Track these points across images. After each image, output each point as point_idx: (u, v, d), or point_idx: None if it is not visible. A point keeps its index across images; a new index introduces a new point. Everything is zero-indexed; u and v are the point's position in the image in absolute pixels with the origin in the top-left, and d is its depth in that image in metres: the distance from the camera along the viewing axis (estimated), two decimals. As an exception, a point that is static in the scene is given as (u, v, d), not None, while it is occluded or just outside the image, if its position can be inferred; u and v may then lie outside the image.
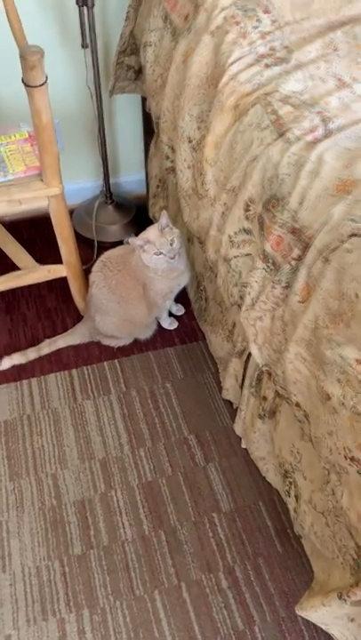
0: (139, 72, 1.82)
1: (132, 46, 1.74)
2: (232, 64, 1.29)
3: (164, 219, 1.51)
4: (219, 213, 1.29)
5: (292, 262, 1.05)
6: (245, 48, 1.30)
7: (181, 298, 1.84)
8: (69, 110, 1.96)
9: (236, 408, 1.59)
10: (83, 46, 1.73)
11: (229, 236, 1.24)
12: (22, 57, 1.27)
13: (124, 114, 2.05)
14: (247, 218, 1.20)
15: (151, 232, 1.54)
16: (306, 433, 1.10)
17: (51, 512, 1.44)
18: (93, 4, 1.64)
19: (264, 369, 1.20)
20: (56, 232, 1.64)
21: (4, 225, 1.99)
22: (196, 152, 1.40)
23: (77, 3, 1.64)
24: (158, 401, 1.65)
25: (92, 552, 1.37)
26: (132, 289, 1.62)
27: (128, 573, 1.34)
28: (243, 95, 1.27)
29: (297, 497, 1.27)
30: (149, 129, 2.01)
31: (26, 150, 1.58)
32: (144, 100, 1.93)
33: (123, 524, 1.42)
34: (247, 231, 1.20)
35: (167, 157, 1.54)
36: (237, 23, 1.32)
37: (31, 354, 1.74)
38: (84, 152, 2.10)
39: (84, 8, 1.64)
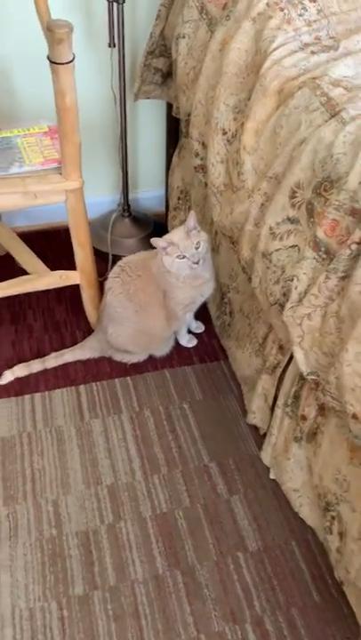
0: (166, 76, 1.73)
1: (161, 47, 1.66)
2: (275, 49, 1.20)
3: (191, 220, 1.38)
4: (257, 205, 1.16)
5: (353, 247, 0.91)
6: (290, 34, 1.21)
7: (202, 315, 1.70)
8: (90, 117, 1.87)
9: (264, 434, 1.41)
10: (109, 45, 1.65)
11: (270, 228, 1.10)
12: (49, 29, 1.17)
13: (148, 124, 1.96)
14: (293, 205, 1.06)
15: (176, 234, 1.41)
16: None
17: (49, 544, 1.24)
18: (124, 0, 1.56)
19: (309, 378, 1.04)
20: (72, 234, 1.51)
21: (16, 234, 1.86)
22: (230, 144, 1.29)
23: (107, -2, 1.57)
24: (175, 423, 1.48)
25: (95, 593, 1.16)
26: (152, 296, 1.48)
27: (138, 621, 1.13)
28: (288, 79, 1.16)
29: (342, 534, 1.08)
30: (173, 140, 1.92)
31: (45, 143, 1.47)
32: (169, 108, 1.85)
33: (133, 560, 1.22)
34: (292, 220, 1.07)
35: (197, 154, 1.43)
36: (281, 9, 1.23)
37: (35, 366, 1.57)
38: (102, 164, 2.00)
39: (114, 4, 1.57)
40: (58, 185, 1.38)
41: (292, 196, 1.06)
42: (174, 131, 1.90)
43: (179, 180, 1.86)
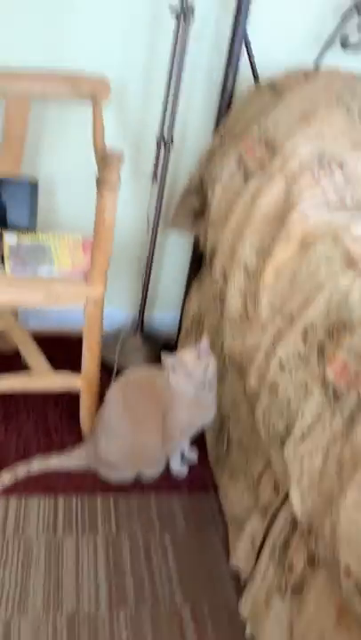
0: (200, 214, 1.86)
1: (197, 189, 1.81)
2: (303, 203, 1.30)
3: (205, 342, 1.40)
4: (270, 337, 1.19)
5: (361, 391, 0.91)
6: (317, 192, 1.32)
7: (198, 443, 1.65)
8: (122, 238, 1.99)
9: (245, 583, 1.30)
10: (153, 181, 1.80)
11: (280, 360, 1.11)
12: (103, 158, 1.28)
13: (174, 253, 2.07)
14: (304, 342, 1.08)
15: (187, 354, 1.42)
16: (355, 612, 0.85)
17: (-10, 672, 1.10)
18: (172, 142, 1.73)
19: (303, 521, 0.98)
20: (84, 338, 1.53)
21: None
22: (250, 279, 1.35)
23: (157, 140, 1.74)
24: (152, 554, 1.37)
25: None
26: (151, 413, 1.45)
27: None
28: (311, 229, 1.25)
29: None
30: (194, 271, 2.01)
31: (76, 253, 1.54)
32: (196, 242, 1.96)
33: None
34: (302, 357, 1.08)
35: (217, 283, 1.49)
36: (311, 170, 1.35)
37: (20, 471, 1.50)
38: (124, 279, 2.08)
39: (162, 145, 1.74)
40: (81, 290, 1.43)
41: (305, 334, 1.09)
42: (197, 263, 2.00)
43: (195, 306, 1.92)
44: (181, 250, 2.07)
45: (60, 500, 1.46)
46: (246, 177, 1.48)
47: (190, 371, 1.38)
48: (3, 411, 1.72)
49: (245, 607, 1.24)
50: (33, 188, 1.63)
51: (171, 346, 2.05)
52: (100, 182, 1.28)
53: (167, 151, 1.74)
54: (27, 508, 1.42)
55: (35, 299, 1.42)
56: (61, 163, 1.83)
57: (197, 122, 1.85)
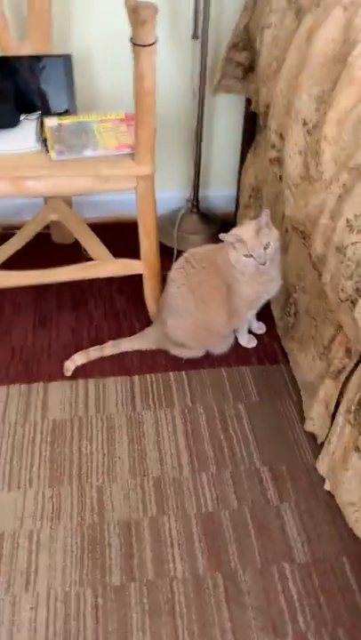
0: (248, 70, 1.70)
1: (244, 41, 1.63)
2: (366, 38, 1.14)
3: (265, 217, 1.33)
4: (335, 197, 1.11)
5: None
6: (384, 22, 1.15)
7: (264, 316, 1.64)
8: (167, 111, 1.86)
9: (321, 444, 1.34)
10: (193, 37, 1.64)
11: (348, 220, 1.04)
12: (134, 11, 1.16)
13: (225, 121, 1.93)
14: (375, 197, 1.00)
15: (246, 230, 1.37)
16: None
17: (90, 530, 1.21)
18: (212, -9, 1.55)
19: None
20: (139, 222, 1.50)
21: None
22: (310, 135, 1.24)
23: (195, -11, 1.56)
24: (228, 423, 1.42)
25: (132, 585, 1.13)
26: (215, 290, 1.44)
27: (173, 619, 1.08)
28: (378, 68, 1.10)
29: None
30: (248, 139, 1.88)
31: (120, 130, 1.47)
32: (248, 106, 1.81)
33: (173, 557, 1.17)
34: (373, 213, 1.00)
35: (273, 146, 1.38)
36: (376, -3, 1.17)
37: (93, 353, 1.56)
38: (175, 159, 1.98)
39: (201, -5, 1.56)
40: (129, 170, 1.38)
41: (374, 187, 1.00)
42: (251, 129, 1.86)
43: (252, 177, 1.82)
44: (233, 117, 1.93)
45: (136, 379, 1.52)
46: (299, 15, 1.31)
47: (250, 250, 1.33)
48: (72, 300, 1.76)
49: (323, 466, 1.28)
50: (67, 63, 1.52)
51: (230, 223, 1.98)
52: (133, 42, 1.17)
53: (207, 2, 1.56)
54: (105, 389, 1.49)
55: (83, 183, 1.38)
56: (94, 33, 1.69)
57: None
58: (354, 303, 1.01)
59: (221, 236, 1.37)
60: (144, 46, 1.20)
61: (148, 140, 1.34)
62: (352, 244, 1.03)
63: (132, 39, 1.20)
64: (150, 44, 1.20)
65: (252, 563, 1.16)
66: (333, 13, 1.20)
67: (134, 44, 1.20)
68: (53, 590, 1.12)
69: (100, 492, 1.28)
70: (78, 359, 1.54)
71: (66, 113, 1.54)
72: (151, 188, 1.43)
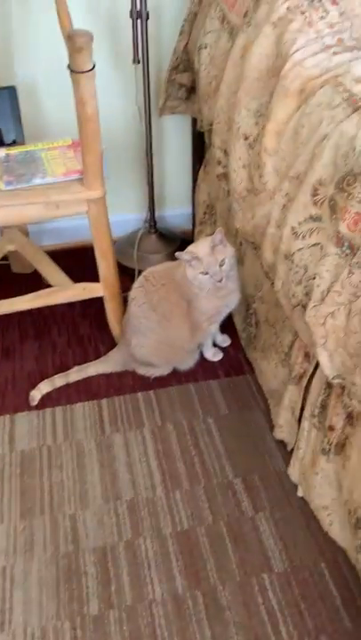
0: (190, 91, 1.74)
1: (184, 63, 1.67)
2: (297, 51, 1.18)
3: (218, 235, 1.35)
4: (279, 206, 1.13)
5: (377, 239, 0.86)
6: (311, 36, 1.19)
7: (228, 329, 1.65)
8: (116, 135, 1.89)
9: (291, 450, 1.34)
10: (134, 62, 1.67)
11: (292, 228, 1.06)
12: (69, 38, 1.18)
13: (173, 141, 1.96)
14: (315, 203, 1.02)
15: (201, 247, 1.38)
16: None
17: (65, 559, 1.19)
18: (148, 17, 1.59)
19: (335, 382, 0.98)
20: (95, 245, 1.50)
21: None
22: (252, 149, 1.27)
23: (131, 15, 1.59)
24: (198, 438, 1.42)
25: (111, 612, 1.10)
26: (176, 306, 1.45)
27: (155, 643, 1.06)
28: (309, 79, 1.14)
29: (374, 553, 1.00)
30: (199, 157, 1.92)
31: (68, 156, 1.48)
32: (194, 123, 1.85)
33: (151, 579, 1.15)
34: (315, 218, 1.02)
35: (219, 163, 1.41)
36: (302, 13, 1.21)
37: (58, 381, 1.55)
38: (129, 182, 2.01)
39: (138, 21, 1.60)
40: (79, 194, 1.39)
41: (314, 193, 1.03)
42: (200, 147, 1.89)
43: (205, 194, 1.85)
44: (182, 137, 1.96)
45: (103, 403, 1.51)
46: (233, 35, 1.35)
47: (205, 268, 1.34)
48: (34, 329, 1.74)
49: (294, 472, 1.29)
50: (12, 94, 1.53)
51: (188, 240, 2.00)
52: (71, 69, 1.19)
53: (144, 27, 1.60)
54: (73, 416, 1.48)
55: (35, 211, 1.38)
56: (37, 62, 1.71)
57: (172, -13, 1.68)
58: (305, 307, 1.02)
59: (178, 254, 1.38)
60: (82, 72, 1.21)
61: (95, 164, 1.35)
62: (298, 250, 1.05)
63: (69, 66, 1.22)
64: (88, 71, 1.22)
65: (232, 577, 1.15)
66: (264, 30, 1.24)
67: (72, 71, 1.22)
68: (30, 627, 1.09)
69: (73, 521, 1.25)
70: (44, 388, 1.53)
71: (14, 143, 1.55)
72: (103, 210, 1.44)
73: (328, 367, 0.98)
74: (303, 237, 1.04)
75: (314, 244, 1.02)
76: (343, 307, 0.92)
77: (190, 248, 1.40)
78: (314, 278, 0.98)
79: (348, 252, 0.93)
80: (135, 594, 1.13)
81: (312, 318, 0.97)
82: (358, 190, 0.92)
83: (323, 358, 0.98)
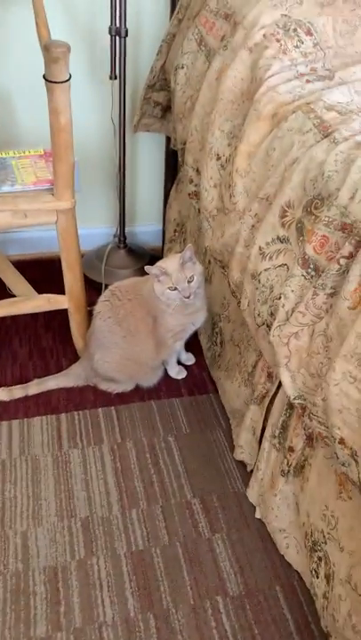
0: (166, 110, 1.76)
1: (161, 82, 1.69)
2: (271, 77, 1.20)
3: (188, 252, 1.35)
4: (248, 226, 1.14)
5: (341, 261, 0.88)
6: (286, 63, 1.22)
7: (193, 347, 1.65)
8: (89, 149, 1.88)
9: (251, 471, 1.34)
10: (111, 78, 1.68)
11: (260, 248, 1.07)
12: (46, 48, 1.18)
13: (147, 157, 1.97)
14: (283, 225, 1.04)
15: (170, 263, 1.38)
16: (351, 480, 0.86)
17: (14, 578, 1.14)
18: (127, 35, 1.60)
19: (296, 402, 0.98)
20: (62, 256, 1.49)
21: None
22: (224, 169, 1.28)
23: (110, 32, 1.61)
24: (158, 456, 1.40)
25: (59, 635, 1.06)
26: (141, 321, 1.44)
27: (103, 668, 1.02)
28: (282, 104, 1.16)
29: (328, 577, 1.00)
30: (171, 175, 1.93)
31: (39, 165, 1.47)
32: (168, 141, 1.87)
33: (102, 600, 1.12)
34: (282, 239, 1.04)
35: (191, 181, 1.42)
36: (278, 40, 1.24)
37: (17, 392, 1.51)
38: (100, 196, 2.00)
39: (117, 37, 1.61)
40: (49, 204, 1.37)
41: (283, 215, 1.04)
42: (173, 165, 1.91)
43: (175, 212, 1.86)
44: (155, 155, 1.97)
45: (62, 418, 1.48)
46: (209, 57, 1.37)
47: (174, 283, 1.34)
48: (-6, 340, 1.71)
49: (253, 493, 1.28)
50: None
51: (157, 257, 2.00)
52: (47, 79, 1.19)
53: (123, 44, 1.61)
54: (30, 430, 1.44)
55: (2, 219, 1.36)
56: (11, 72, 1.70)
57: (152, 7, 1.70)
58: (269, 327, 1.03)
59: (147, 268, 1.37)
60: (57, 83, 1.21)
61: (66, 174, 1.34)
62: (265, 270, 1.06)
63: (45, 76, 1.21)
64: (64, 81, 1.21)
65: (185, 599, 1.13)
66: (240, 55, 1.26)
67: (48, 81, 1.21)
68: (-28, 649, 1.04)
69: (24, 538, 1.21)
70: (0, 395, 1.49)
71: (-16, 150, 1.53)
72: (72, 222, 1.42)
73: (290, 387, 0.98)
74: (270, 258, 1.05)
75: (280, 265, 1.03)
76: (307, 327, 0.93)
77: (159, 263, 1.40)
78: (279, 298, 0.99)
79: (313, 273, 0.94)
80: (85, 616, 1.09)
81: (276, 338, 0.97)
82: (325, 214, 0.93)
83: (285, 378, 0.98)
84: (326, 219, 0.92)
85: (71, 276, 1.52)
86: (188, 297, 1.37)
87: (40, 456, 1.38)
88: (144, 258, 2.01)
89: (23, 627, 1.07)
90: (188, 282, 1.36)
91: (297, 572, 1.16)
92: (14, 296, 1.59)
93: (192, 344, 1.63)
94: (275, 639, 1.07)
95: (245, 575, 1.17)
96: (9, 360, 1.64)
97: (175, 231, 1.86)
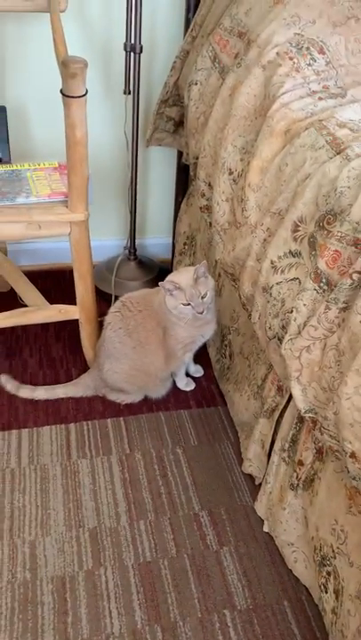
0: (178, 125, 1.78)
1: (174, 97, 1.72)
2: (284, 94, 1.22)
3: (202, 268, 1.36)
4: (260, 240, 1.15)
5: (354, 276, 0.88)
6: (298, 80, 1.24)
7: (201, 359, 1.66)
8: (102, 162, 1.91)
9: (259, 485, 1.34)
10: (125, 92, 1.71)
11: (272, 262, 1.08)
12: (64, 64, 1.20)
13: (158, 172, 2.00)
14: (295, 239, 1.05)
15: (184, 278, 1.38)
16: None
17: (22, 588, 1.14)
18: (141, 51, 1.63)
19: (307, 416, 0.99)
20: (74, 267, 1.50)
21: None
22: (236, 183, 1.30)
23: (125, 48, 1.64)
24: (167, 468, 1.40)
25: (66, 646, 1.06)
26: (152, 333, 1.45)
27: None
28: (295, 121, 1.18)
29: (337, 592, 1.00)
30: (182, 189, 1.95)
31: (53, 178, 1.49)
32: (179, 156, 1.89)
33: (110, 611, 1.12)
34: (294, 254, 1.05)
35: (203, 195, 1.44)
36: (291, 59, 1.26)
37: (24, 391, 1.52)
38: (111, 208, 2.02)
39: (132, 54, 1.64)
40: (63, 216, 1.39)
41: (295, 230, 1.05)
42: (184, 180, 1.93)
43: (186, 225, 1.87)
44: (167, 169, 1.99)
45: (72, 427, 1.48)
46: (223, 74, 1.40)
47: (188, 299, 1.35)
48: (6, 348, 1.72)
49: (261, 507, 1.28)
50: (1, 114, 1.55)
51: (167, 270, 2.02)
52: (64, 94, 1.21)
53: (137, 60, 1.64)
54: (39, 439, 1.45)
55: (17, 230, 1.38)
56: (29, 86, 1.73)
57: (166, 24, 1.73)
58: (281, 340, 1.03)
59: (161, 284, 1.38)
60: (74, 97, 1.23)
61: (80, 187, 1.36)
62: (277, 283, 1.07)
63: (62, 91, 1.23)
64: (81, 96, 1.24)
65: (193, 612, 1.12)
66: (254, 72, 1.28)
67: (65, 96, 1.24)
68: (-21, 658, 1.04)
69: (32, 547, 1.21)
70: (8, 384, 1.51)
71: (0, 162, 1.55)
72: (85, 233, 1.44)
73: (301, 401, 0.98)
74: (282, 272, 1.06)
75: (292, 279, 1.04)
76: (319, 341, 0.94)
77: (172, 278, 1.40)
78: (291, 312, 1.00)
79: (325, 287, 0.95)
80: (92, 627, 1.09)
81: (288, 351, 0.98)
82: (338, 229, 0.94)
83: (296, 392, 0.98)
84: (339, 234, 0.94)
85: (83, 287, 1.53)
86: (202, 312, 1.38)
87: (49, 465, 1.39)
88: (154, 270, 2.03)
89: (30, 637, 1.07)
90: (202, 297, 1.37)
91: (305, 586, 1.16)
92: (26, 306, 1.61)
93: (201, 356, 1.64)
94: (282, 654, 1.07)
95: (253, 589, 1.17)
96: (19, 369, 1.65)
97: (185, 244, 1.88)
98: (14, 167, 1.51)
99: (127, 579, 1.17)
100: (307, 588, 1.15)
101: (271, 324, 1.07)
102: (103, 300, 1.85)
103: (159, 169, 1.99)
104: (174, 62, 1.65)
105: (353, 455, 0.86)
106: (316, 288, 0.96)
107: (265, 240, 1.15)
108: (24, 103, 1.76)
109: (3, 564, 1.18)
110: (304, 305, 0.97)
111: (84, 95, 1.24)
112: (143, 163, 1.95)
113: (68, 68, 1.20)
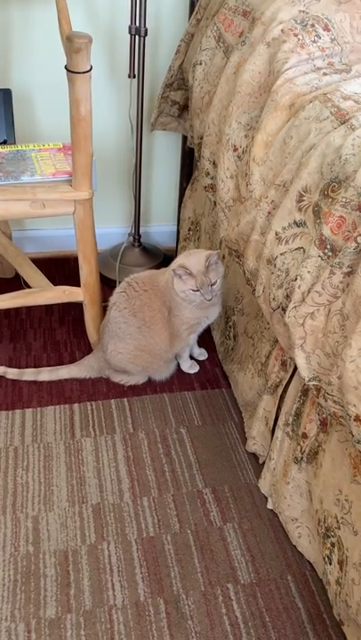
0: (182, 109, 1.78)
1: (179, 81, 1.72)
2: (288, 70, 1.22)
3: (215, 256, 1.35)
4: (264, 213, 1.15)
5: (359, 239, 0.88)
6: (303, 57, 1.24)
7: (206, 343, 1.65)
8: (106, 148, 1.92)
9: (263, 463, 1.33)
10: (130, 76, 1.72)
11: (276, 233, 1.08)
12: (68, 39, 1.21)
13: (163, 157, 2.00)
14: (300, 209, 1.05)
15: (196, 264, 1.37)
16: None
17: (24, 560, 1.14)
18: (146, 34, 1.64)
19: (311, 384, 0.98)
20: (78, 248, 1.50)
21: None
22: (240, 160, 1.30)
23: (130, 31, 1.64)
24: (170, 447, 1.40)
25: (68, 617, 1.06)
26: (157, 312, 1.44)
27: (112, 651, 1.01)
28: (299, 95, 1.18)
29: (342, 562, 0.99)
30: (186, 175, 1.95)
31: (58, 158, 1.49)
32: (184, 141, 1.89)
33: (113, 584, 1.11)
34: (299, 223, 1.04)
35: (207, 174, 1.44)
36: (295, 35, 1.26)
37: (28, 375, 1.52)
38: (115, 195, 2.03)
39: (136, 37, 1.64)
40: (67, 194, 1.39)
41: (300, 200, 1.05)
42: (189, 165, 1.93)
43: (190, 211, 1.88)
44: (171, 155, 2.00)
45: (76, 407, 1.48)
46: (227, 53, 1.40)
47: (198, 286, 1.34)
48: (10, 331, 1.72)
49: (265, 484, 1.27)
50: (6, 96, 1.55)
51: (171, 256, 2.02)
52: (68, 69, 1.21)
53: (142, 43, 1.64)
54: (43, 418, 1.45)
55: (21, 208, 1.38)
56: (34, 68, 1.74)
57: (171, 7, 1.73)
58: (284, 310, 1.03)
59: (172, 268, 1.38)
60: (79, 73, 1.24)
61: (85, 165, 1.36)
62: (281, 254, 1.06)
63: (66, 67, 1.24)
64: (85, 72, 1.24)
65: (196, 586, 1.12)
66: (258, 49, 1.28)
67: (69, 71, 1.24)
68: (-18, 627, 1.04)
69: (35, 522, 1.21)
70: (11, 372, 1.52)
71: (4, 144, 1.56)
72: (90, 213, 1.44)
73: (305, 369, 0.98)
74: (286, 242, 1.06)
75: (297, 249, 1.04)
76: (323, 307, 0.93)
77: (183, 261, 1.39)
78: (295, 280, 0.99)
79: (330, 254, 0.94)
80: (95, 599, 1.09)
81: (292, 319, 0.97)
82: (342, 195, 0.94)
83: (300, 360, 0.98)
84: (343, 200, 0.93)
85: (87, 269, 1.53)
86: (210, 299, 1.38)
87: (52, 444, 1.38)
88: (158, 257, 2.03)
89: (33, 607, 1.07)
90: (212, 285, 1.37)
91: (309, 562, 1.15)
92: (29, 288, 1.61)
93: (205, 340, 1.64)
94: (286, 627, 1.06)
95: (257, 564, 1.16)
96: (23, 352, 1.65)
97: (190, 229, 1.88)
98: (19, 147, 1.51)
99: (130, 553, 1.16)
100: (311, 564, 1.15)
101: (275, 294, 1.07)
102: (108, 287, 1.85)
103: (164, 154, 1.99)
104: (179, 45, 1.66)
105: (357, 418, 0.85)
106: (321, 255, 0.95)
107: (269, 213, 1.14)
108: (29, 87, 1.77)
109: (6, 538, 1.18)
110: (308, 272, 0.96)
111: (89, 71, 1.25)
112: (148, 148, 1.96)
113: (73, 42, 1.20)
